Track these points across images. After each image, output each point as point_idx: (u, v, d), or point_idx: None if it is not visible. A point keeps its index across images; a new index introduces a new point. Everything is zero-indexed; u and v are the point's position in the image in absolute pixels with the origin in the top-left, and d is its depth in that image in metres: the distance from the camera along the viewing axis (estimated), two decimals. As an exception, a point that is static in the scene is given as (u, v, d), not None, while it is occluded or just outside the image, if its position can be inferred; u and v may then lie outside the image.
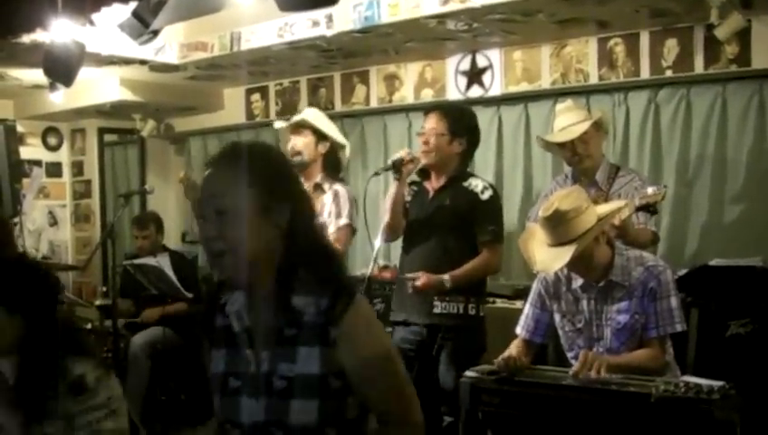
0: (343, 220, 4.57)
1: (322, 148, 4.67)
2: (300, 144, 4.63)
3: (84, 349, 2.64)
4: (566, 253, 3.26)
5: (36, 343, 2.52)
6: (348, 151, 4.90)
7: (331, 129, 4.75)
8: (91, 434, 2.47)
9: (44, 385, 2.47)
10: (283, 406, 1.93)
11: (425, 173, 4.44)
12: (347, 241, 4.67)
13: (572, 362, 3.43)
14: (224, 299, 2.07)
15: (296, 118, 4.73)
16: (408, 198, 4.43)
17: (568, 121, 4.50)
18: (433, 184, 4.41)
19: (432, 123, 4.32)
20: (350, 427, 1.99)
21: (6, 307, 2.51)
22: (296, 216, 1.98)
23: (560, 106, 4.74)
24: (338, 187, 4.65)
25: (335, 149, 4.73)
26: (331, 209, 4.58)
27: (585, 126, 4.42)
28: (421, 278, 4.18)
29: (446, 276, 4.19)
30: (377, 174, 4.51)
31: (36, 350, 2.51)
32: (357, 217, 4.67)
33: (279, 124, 4.94)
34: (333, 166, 4.72)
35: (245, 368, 2.00)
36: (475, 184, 4.36)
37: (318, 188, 4.64)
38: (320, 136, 4.66)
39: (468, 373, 3.41)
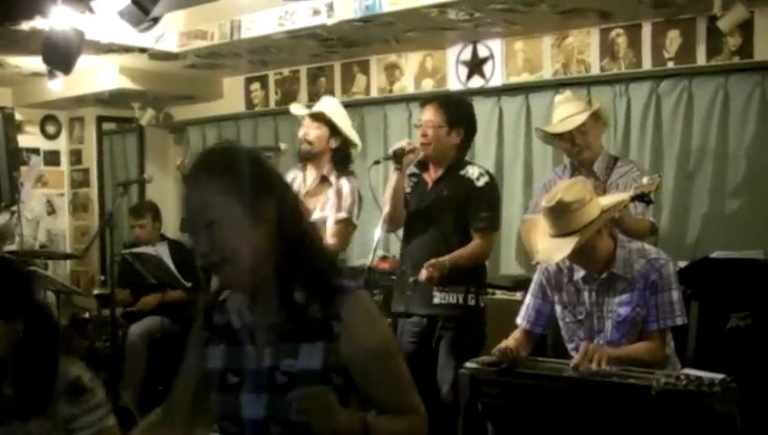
0: (342, 214, 4.56)
1: (334, 142, 4.63)
2: (312, 135, 4.60)
3: (74, 350, 2.62)
4: (568, 244, 3.24)
5: (31, 347, 2.48)
6: (359, 149, 4.88)
7: (347, 125, 4.71)
8: (97, 432, 2.48)
9: (40, 388, 2.44)
10: (284, 402, 1.89)
11: (423, 165, 4.44)
12: (344, 236, 4.63)
13: (573, 353, 3.42)
14: (223, 296, 2.05)
15: (316, 108, 4.69)
16: (408, 190, 4.43)
17: (567, 112, 4.48)
18: (431, 175, 4.42)
19: (429, 115, 4.32)
20: None
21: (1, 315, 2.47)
22: (283, 209, 1.95)
23: (559, 97, 4.72)
24: (344, 181, 4.63)
25: (347, 144, 4.70)
26: (333, 202, 4.57)
27: (584, 117, 4.40)
28: (424, 272, 4.17)
29: (446, 258, 4.18)
30: (377, 163, 4.50)
31: (31, 354, 2.48)
32: (359, 212, 4.67)
33: (297, 110, 4.88)
34: (342, 160, 4.69)
35: (246, 364, 1.99)
36: (472, 171, 4.36)
37: (324, 180, 4.63)
38: (334, 130, 4.63)
39: (468, 365, 3.40)
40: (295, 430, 1.90)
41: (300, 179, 4.71)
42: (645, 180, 3.79)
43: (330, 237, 4.53)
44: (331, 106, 4.71)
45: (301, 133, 4.65)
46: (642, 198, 3.74)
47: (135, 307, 6.18)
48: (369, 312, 2.01)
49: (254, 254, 1.92)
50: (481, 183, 4.33)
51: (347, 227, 4.61)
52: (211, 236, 1.89)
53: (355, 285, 2.02)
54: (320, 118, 4.62)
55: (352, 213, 4.60)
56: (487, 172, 4.42)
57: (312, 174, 4.68)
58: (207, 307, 2.10)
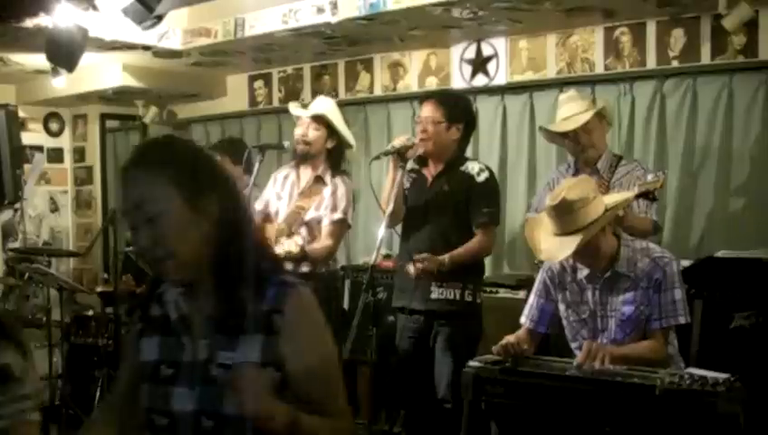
0: (337, 215, 4.61)
1: (330, 143, 4.68)
2: (311, 136, 4.64)
3: (12, 337, 2.52)
4: (572, 242, 3.24)
5: None
6: (354, 149, 4.93)
7: (344, 125, 4.76)
8: (17, 425, 2.36)
9: None
10: (219, 395, 1.89)
11: (422, 160, 4.46)
12: (339, 235, 4.70)
13: (576, 352, 3.42)
14: (161, 289, 2.04)
15: (316, 110, 4.70)
16: (407, 185, 4.44)
17: (571, 111, 4.49)
18: (431, 170, 4.45)
19: (428, 111, 4.36)
20: None
21: None
22: (224, 202, 1.93)
23: (562, 96, 4.72)
24: (339, 181, 4.67)
25: (342, 144, 4.74)
26: (328, 203, 4.61)
27: (588, 116, 4.40)
28: (419, 263, 4.19)
29: (445, 256, 4.20)
30: (377, 158, 4.49)
31: None
32: (353, 212, 4.75)
33: (296, 111, 4.87)
34: (337, 160, 4.74)
35: (181, 356, 1.96)
36: (472, 167, 4.40)
37: (319, 180, 4.68)
38: (332, 131, 4.67)
39: (471, 363, 3.40)
40: (227, 424, 1.88)
41: (293, 178, 4.76)
42: (650, 177, 3.79)
43: (325, 237, 4.58)
44: (329, 107, 4.74)
45: (298, 133, 4.69)
46: (647, 195, 3.74)
47: (138, 289, 6.16)
48: (312, 308, 2.00)
49: (196, 247, 1.90)
50: (481, 178, 4.36)
51: (342, 227, 4.68)
52: (153, 231, 1.87)
53: (297, 280, 2.01)
54: (319, 119, 4.64)
55: (347, 214, 4.66)
56: (487, 168, 4.45)
57: (306, 173, 4.72)
58: (143, 300, 2.07)
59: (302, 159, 4.71)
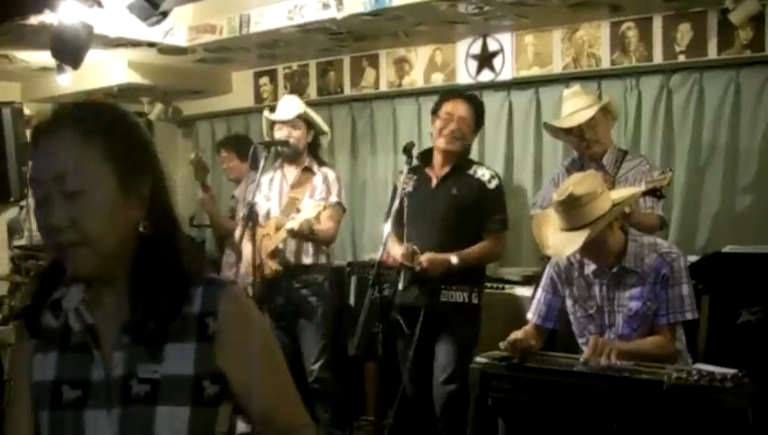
0: (333, 198, 4.84)
1: (310, 136, 4.98)
2: (296, 134, 4.91)
3: None
4: (579, 238, 3.24)
5: None
6: (329, 136, 5.28)
7: (318, 118, 5.08)
8: None
9: None
10: (146, 415, 1.58)
11: (426, 159, 4.46)
12: (338, 219, 4.93)
13: (583, 348, 3.41)
14: (56, 295, 1.67)
15: (295, 111, 4.93)
16: (410, 188, 4.41)
17: (575, 107, 4.48)
18: (437, 171, 4.44)
19: (464, 112, 4.45)
20: None
21: None
22: (158, 186, 1.66)
23: (567, 92, 4.71)
24: (326, 169, 4.96)
25: (318, 135, 5.05)
26: (322, 189, 4.85)
27: (592, 111, 4.39)
28: (425, 259, 4.20)
29: (452, 255, 4.21)
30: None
31: None
32: (346, 197, 5.02)
33: (275, 115, 5.02)
34: (316, 151, 5.06)
35: (89, 374, 1.62)
36: (482, 173, 4.42)
37: (308, 171, 4.94)
38: (309, 125, 4.97)
39: (478, 359, 3.41)
40: None
41: (278, 177, 5.01)
42: (656, 174, 3.78)
43: (325, 221, 4.76)
44: (301, 104, 5.02)
45: (283, 135, 4.92)
46: (654, 192, 3.73)
47: None
48: (249, 307, 1.74)
49: (117, 235, 1.59)
50: (492, 186, 4.42)
51: (339, 210, 4.91)
52: (73, 209, 1.54)
53: (227, 279, 1.81)
54: (298, 118, 4.92)
55: (341, 197, 4.90)
56: (497, 174, 4.51)
57: (291, 169, 4.98)
58: (31, 310, 1.69)
59: (288, 158, 4.96)
